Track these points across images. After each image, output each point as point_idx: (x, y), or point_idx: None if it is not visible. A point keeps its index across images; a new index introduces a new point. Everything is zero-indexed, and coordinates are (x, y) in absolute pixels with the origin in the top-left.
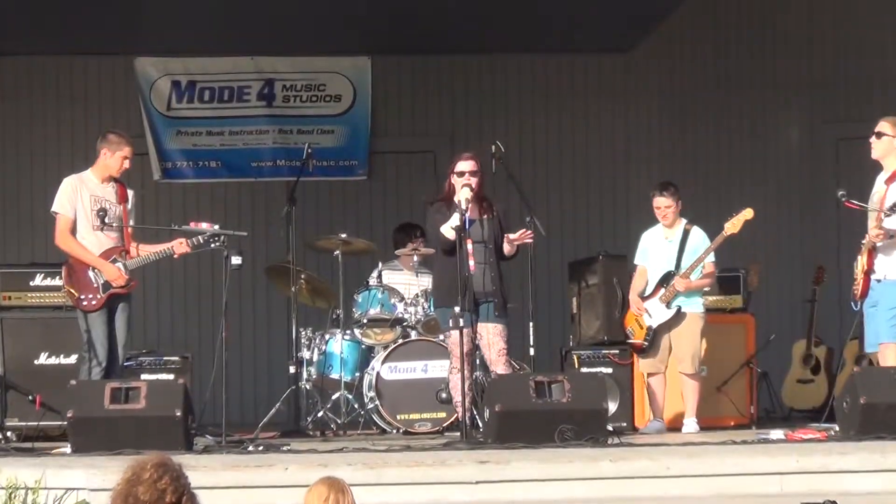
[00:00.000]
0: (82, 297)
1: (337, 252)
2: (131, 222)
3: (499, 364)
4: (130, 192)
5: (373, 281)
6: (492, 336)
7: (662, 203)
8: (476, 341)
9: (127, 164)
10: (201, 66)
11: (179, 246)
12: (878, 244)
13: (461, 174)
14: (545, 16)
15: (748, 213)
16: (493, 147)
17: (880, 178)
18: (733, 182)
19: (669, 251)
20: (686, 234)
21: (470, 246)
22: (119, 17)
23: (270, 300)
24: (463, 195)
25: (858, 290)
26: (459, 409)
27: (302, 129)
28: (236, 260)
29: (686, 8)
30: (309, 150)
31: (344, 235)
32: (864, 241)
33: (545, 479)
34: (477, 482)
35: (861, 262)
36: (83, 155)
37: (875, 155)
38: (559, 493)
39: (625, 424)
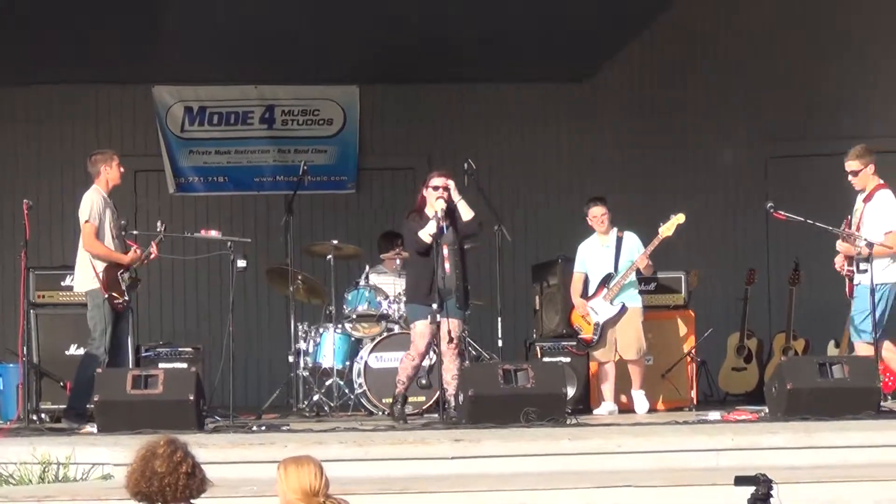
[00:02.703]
0: (120, 301)
1: (329, 256)
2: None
3: (447, 355)
4: None
5: (361, 281)
6: (448, 329)
7: (599, 212)
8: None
9: (122, 168)
10: (211, 93)
11: (153, 248)
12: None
13: (436, 188)
14: (513, 50)
15: (680, 218)
16: (466, 164)
17: (860, 197)
18: (678, 195)
19: (607, 256)
20: (620, 239)
21: (446, 251)
22: (139, 50)
23: (271, 298)
24: (438, 206)
25: (849, 291)
26: (399, 388)
27: (298, 148)
28: (241, 263)
29: (636, 44)
30: (304, 167)
31: (335, 242)
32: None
33: (512, 455)
34: (452, 458)
35: (847, 269)
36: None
37: (858, 188)
38: (524, 467)
39: (581, 407)
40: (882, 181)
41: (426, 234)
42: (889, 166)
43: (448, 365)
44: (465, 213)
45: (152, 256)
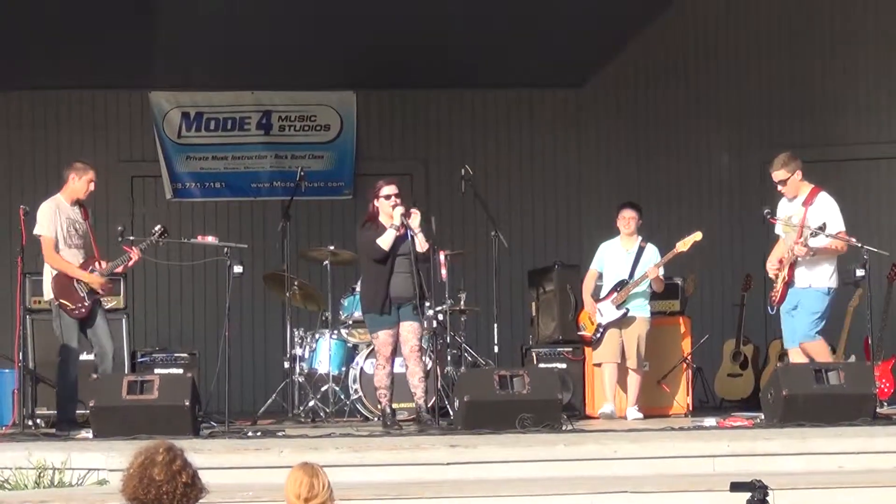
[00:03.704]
0: (74, 307)
1: (326, 262)
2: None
3: (410, 359)
4: (89, 211)
5: (357, 287)
6: (407, 333)
7: (628, 214)
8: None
9: (92, 186)
10: (208, 99)
11: (133, 252)
12: (799, 258)
13: (388, 197)
14: (509, 55)
15: (697, 236)
16: (463, 170)
17: (795, 202)
18: (672, 201)
19: (626, 262)
20: (641, 249)
21: (442, 257)
22: (136, 56)
23: (267, 304)
24: (397, 214)
25: (777, 296)
26: (383, 401)
27: (295, 154)
28: (238, 269)
29: (630, 48)
30: (301, 173)
31: (332, 247)
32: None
33: (508, 460)
34: (448, 463)
35: (783, 274)
36: (103, 178)
37: (789, 196)
38: (520, 473)
39: (577, 413)
40: (814, 185)
41: (385, 241)
42: (885, 172)
43: (413, 369)
44: (420, 245)
45: (130, 263)
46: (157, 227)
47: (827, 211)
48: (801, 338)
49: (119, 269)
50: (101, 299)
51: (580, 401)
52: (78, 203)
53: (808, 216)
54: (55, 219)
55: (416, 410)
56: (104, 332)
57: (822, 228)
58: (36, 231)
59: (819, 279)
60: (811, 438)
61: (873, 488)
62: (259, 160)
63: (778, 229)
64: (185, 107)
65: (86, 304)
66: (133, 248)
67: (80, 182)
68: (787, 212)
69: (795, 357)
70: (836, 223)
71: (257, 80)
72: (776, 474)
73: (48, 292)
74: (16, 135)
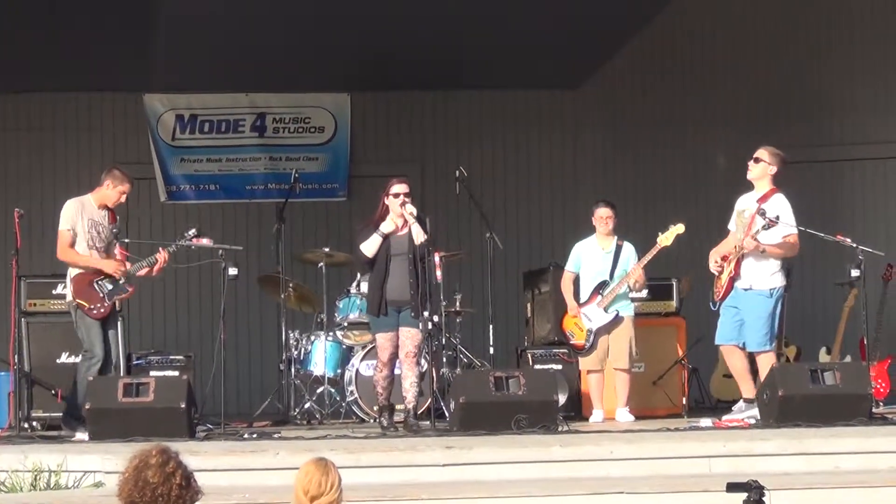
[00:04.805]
0: (92, 307)
1: (321, 264)
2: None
3: (404, 364)
4: (117, 217)
5: (352, 289)
6: (405, 339)
7: (605, 213)
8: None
9: (123, 198)
10: (202, 101)
11: (160, 255)
12: (745, 253)
13: (397, 195)
14: (504, 57)
15: (679, 228)
16: (457, 172)
17: (751, 197)
18: (668, 202)
19: (605, 262)
20: (619, 248)
21: (438, 258)
22: (131, 58)
23: (263, 306)
24: (408, 210)
25: (721, 292)
26: (380, 399)
27: (290, 156)
28: (233, 271)
29: (626, 50)
30: (296, 175)
31: (327, 249)
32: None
33: (504, 461)
34: (444, 465)
35: (729, 269)
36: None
37: (751, 177)
38: (516, 474)
39: (573, 414)
40: (775, 186)
41: (367, 247)
42: (882, 172)
43: (406, 373)
44: (417, 236)
45: (157, 266)
46: (192, 231)
47: (779, 210)
48: (755, 347)
49: (143, 272)
50: (116, 306)
51: (576, 402)
52: (105, 207)
53: (758, 213)
54: (77, 217)
55: (405, 415)
56: (113, 339)
57: (775, 221)
58: (60, 227)
59: (760, 280)
60: (807, 438)
61: (870, 488)
62: (253, 162)
63: (731, 224)
64: (180, 109)
65: (105, 304)
66: (161, 249)
67: (112, 190)
68: (744, 206)
69: (728, 355)
70: (788, 224)
71: (252, 83)
72: (772, 475)
73: (69, 293)
74: (11, 137)
